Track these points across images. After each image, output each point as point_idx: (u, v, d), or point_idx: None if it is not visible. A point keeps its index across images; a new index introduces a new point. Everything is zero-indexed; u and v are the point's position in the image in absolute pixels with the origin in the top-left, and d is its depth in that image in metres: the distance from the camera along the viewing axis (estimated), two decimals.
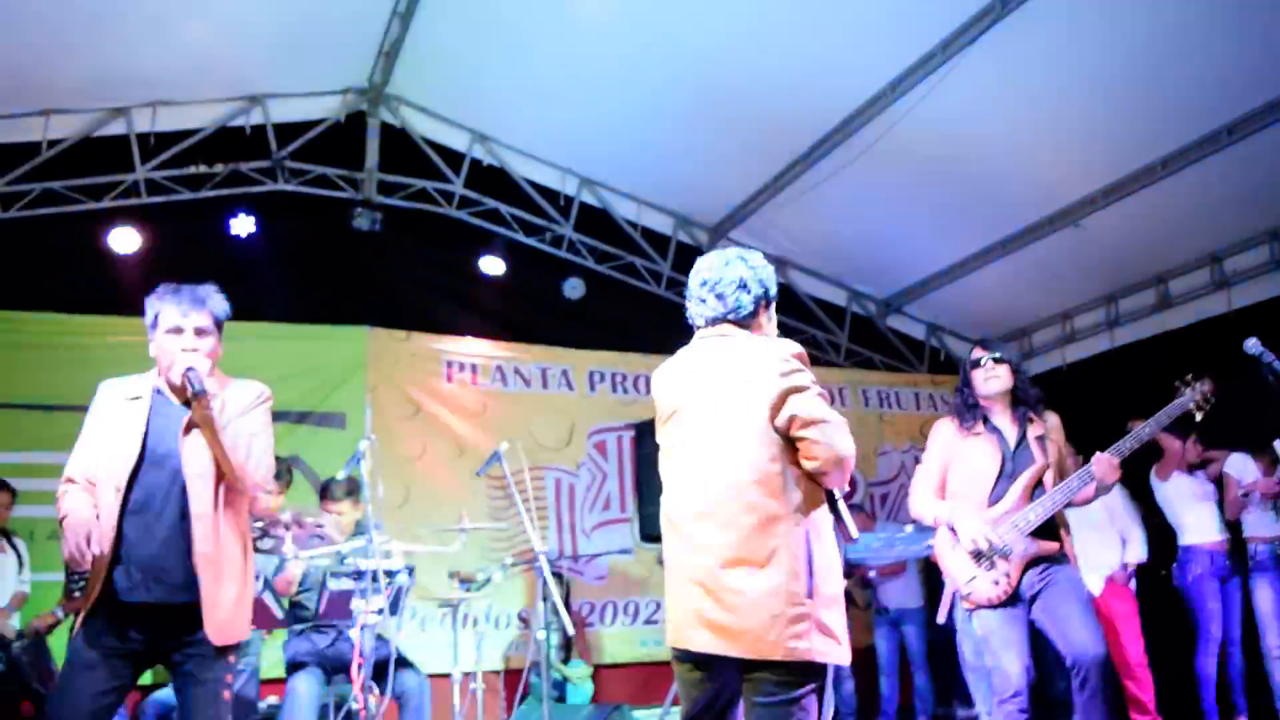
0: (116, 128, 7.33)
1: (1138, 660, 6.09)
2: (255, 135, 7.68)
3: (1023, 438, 4.17)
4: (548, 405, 8.28)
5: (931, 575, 7.74)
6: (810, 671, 2.59)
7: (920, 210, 7.76)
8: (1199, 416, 3.91)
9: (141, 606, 3.00)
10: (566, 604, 6.59)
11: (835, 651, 2.62)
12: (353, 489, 5.24)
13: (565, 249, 8.60)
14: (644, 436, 6.96)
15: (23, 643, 5.79)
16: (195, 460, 3.06)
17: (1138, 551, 6.28)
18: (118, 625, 3.01)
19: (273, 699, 6.28)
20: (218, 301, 3.27)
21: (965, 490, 4.15)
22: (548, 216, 8.46)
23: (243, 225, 7.65)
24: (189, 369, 3.05)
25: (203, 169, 7.64)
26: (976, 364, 4.24)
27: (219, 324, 3.26)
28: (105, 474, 3.05)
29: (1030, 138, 6.74)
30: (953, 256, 8.50)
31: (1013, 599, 3.99)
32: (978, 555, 4.02)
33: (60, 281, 7.20)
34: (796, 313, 9.27)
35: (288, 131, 7.72)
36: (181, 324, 3.15)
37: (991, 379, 4.20)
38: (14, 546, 6.05)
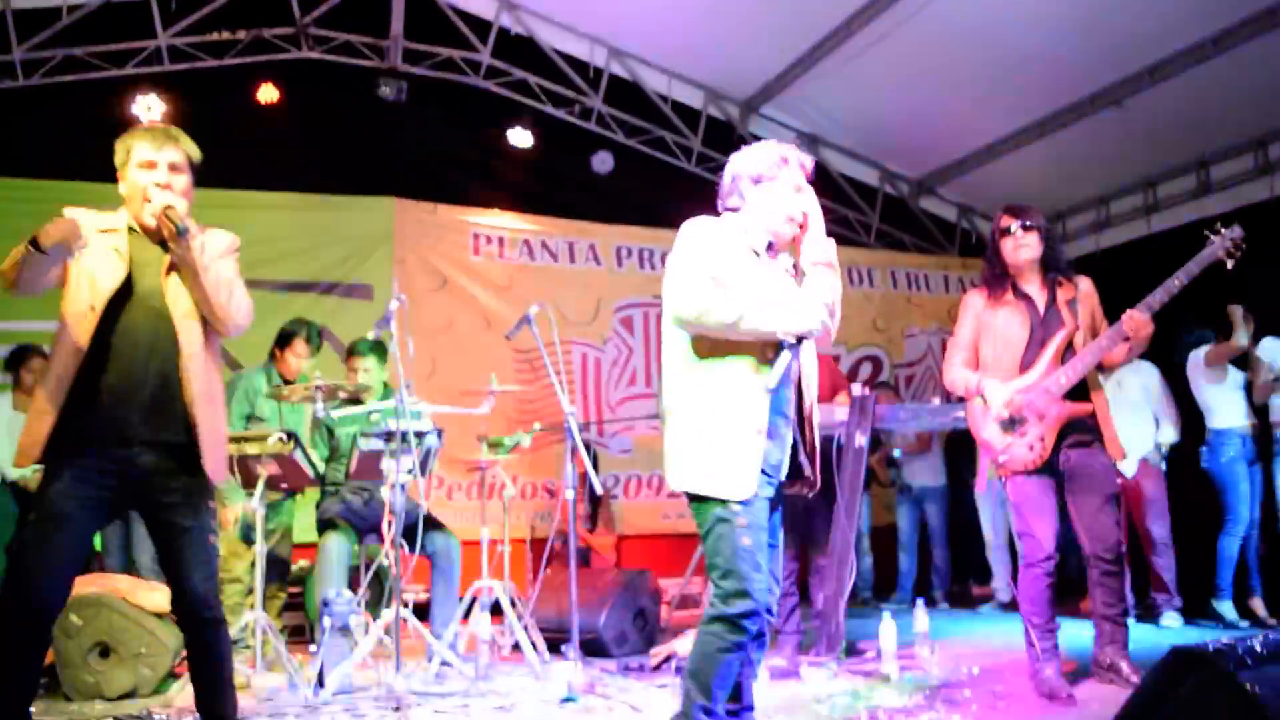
0: None
1: (1163, 539, 6.16)
2: (279, 0, 7.53)
3: (1052, 303, 4.12)
4: (574, 279, 8.27)
5: (952, 455, 7.80)
6: None
7: (956, 88, 7.55)
8: (1230, 264, 3.84)
9: (130, 448, 2.88)
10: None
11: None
12: (379, 348, 5.28)
13: (594, 122, 8.47)
14: None
15: None
16: (181, 301, 2.96)
17: (1171, 433, 6.30)
18: (95, 470, 2.86)
19: (304, 562, 6.47)
20: (190, 143, 3.09)
21: (996, 359, 4.13)
22: (576, 88, 8.31)
23: (267, 94, 7.56)
24: (168, 206, 2.90)
25: (225, 36, 7.52)
26: (1006, 231, 4.15)
27: (193, 166, 3.09)
28: (84, 297, 2.90)
29: (1071, 11, 6.49)
30: (988, 137, 8.31)
31: (1047, 467, 4.02)
32: (1009, 423, 4.03)
33: (83, 149, 7.15)
34: (828, 192, 9.15)
35: None
36: (155, 158, 3.00)
37: (1022, 247, 4.12)
38: None
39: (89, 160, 7.17)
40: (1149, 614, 6.12)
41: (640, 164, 8.62)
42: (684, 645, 4.74)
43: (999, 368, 4.12)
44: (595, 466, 7.57)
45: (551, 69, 8.21)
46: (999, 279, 4.19)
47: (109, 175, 7.41)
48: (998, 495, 7.08)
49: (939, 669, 4.65)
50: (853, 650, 5.09)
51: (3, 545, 3.29)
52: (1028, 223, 4.12)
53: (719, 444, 2.74)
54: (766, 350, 2.82)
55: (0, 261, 2.85)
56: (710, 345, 2.82)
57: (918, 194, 9.39)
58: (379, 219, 7.75)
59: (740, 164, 3.06)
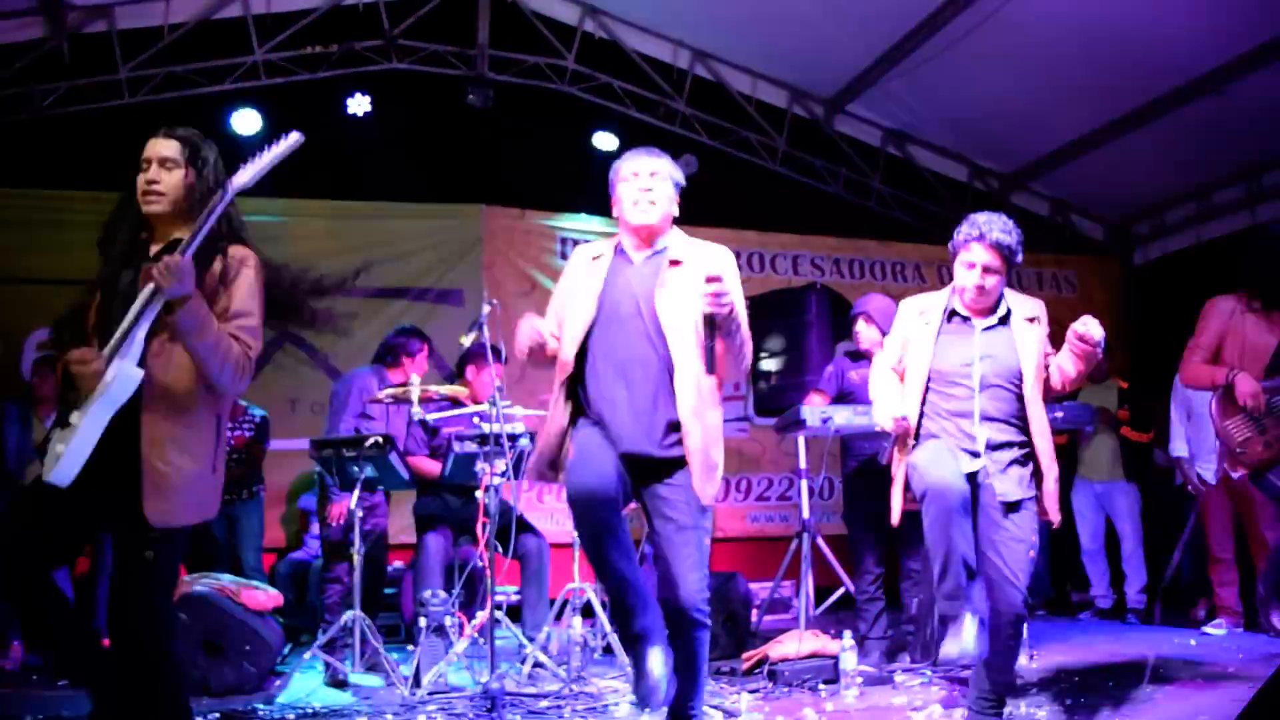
0: (234, 10, 7.42)
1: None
2: (368, 13, 7.71)
3: None
4: None
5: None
6: None
7: (1048, 79, 7.35)
8: None
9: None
10: None
11: None
12: (495, 353, 5.36)
13: (678, 124, 8.48)
14: (759, 312, 6.90)
15: None
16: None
17: None
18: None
19: (398, 563, 6.60)
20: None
21: (1239, 364, 4.28)
22: (660, 91, 8.33)
23: (358, 105, 7.74)
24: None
25: (318, 49, 7.72)
26: None
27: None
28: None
29: None
30: (1081, 129, 8.06)
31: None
32: (1252, 419, 4.17)
33: None
34: (916, 188, 9.03)
35: (400, 9, 7.72)
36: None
37: None
38: None
39: None
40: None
41: (725, 165, 8.59)
42: (777, 649, 4.71)
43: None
44: None
45: (635, 72, 8.25)
46: (1273, 295, 4.34)
47: None
48: (1095, 499, 6.90)
49: (1038, 677, 4.55)
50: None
51: None
52: None
53: None
54: None
55: None
56: None
57: (1009, 190, 9.19)
58: (468, 225, 7.87)
59: None
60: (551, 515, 7.28)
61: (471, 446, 4.66)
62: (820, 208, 8.99)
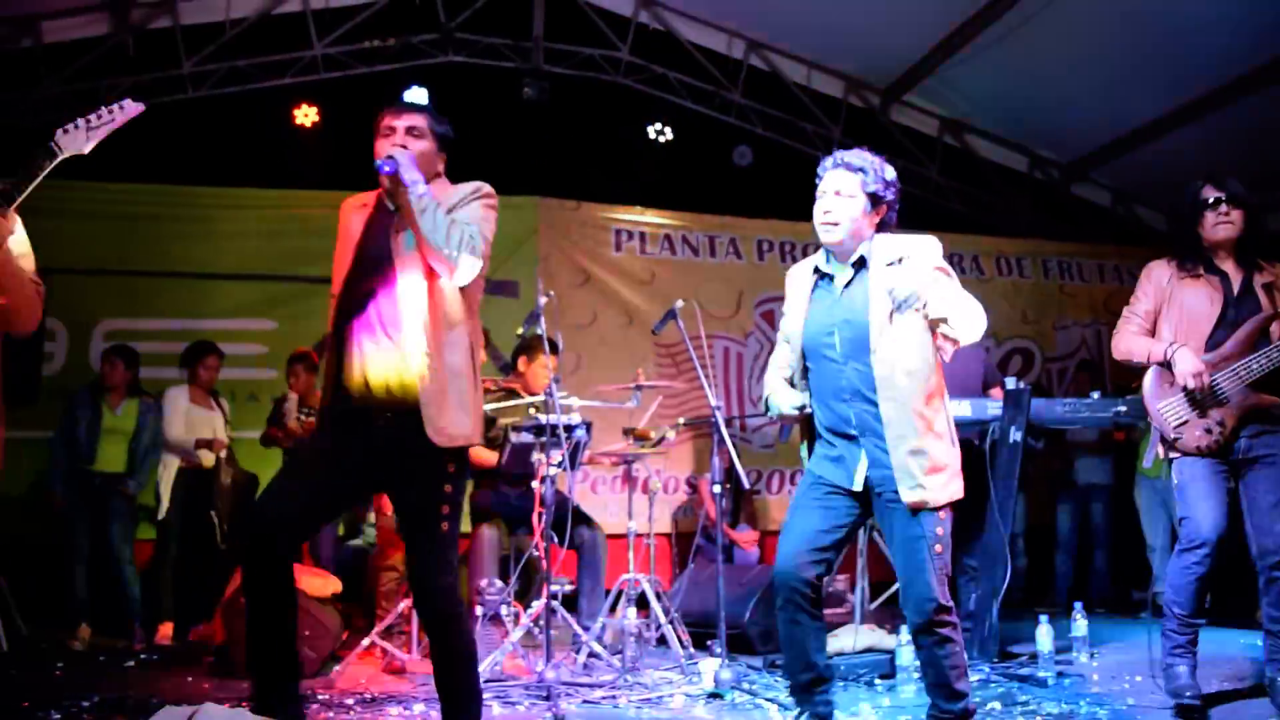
0: (293, 4, 7.52)
1: None
2: (425, 7, 7.76)
3: (1248, 284, 3.79)
4: (715, 274, 8.27)
5: (1119, 453, 7.46)
6: None
7: (1109, 67, 7.21)
8: None
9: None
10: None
11: None
12: (554, 346, 5.38)
13: (733, 115, 8.45)
14: None
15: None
16: (408, 258, 2.98)
17: None
18: (343, 434, 2.98)
19: None
20: (436, 116, 3.16)
21: (1178, 336, 3.81)
22: (715, 82, 8.30)
23: (416, 98, 7.77)
24: (387, 157, 2.93)
25: (375, 43, 7.79)
26: (1206, 204, 3.81)
27: (437, 133, 3.12)
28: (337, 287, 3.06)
29: None
30: (1143, 117, 7.90)
31: (1223, 451, 3.71)
32: (1192, 399, 3.72)
33: (248, 157, 7.54)
34: (973, 179, 8.91)
35: (456, 3, 7.77)
36: (395, 123, 3.07)
37: (1223, 224, 3.79)
38: (219, 405, 6.49)
39: (253, 167, 7.64)
40: None
41: (780, 156, 8.55)
42: (832, 644, 4.68)
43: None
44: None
45: (690, 63, 8.23)
46: (1191, 254, 3.87)
47: (272, 181, 7.79)
48: (1161, 493, 6.77)
49: (1099, 675, 4.48)
50: (1006, 654, 4.94)
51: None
52: (1235, 196, 3.79)
53: None
54: None
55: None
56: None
57: (1069, 180, 9.03)
58: (523, 217, 7.90)
59: None
60: (606, 506, 7.32)
61: (528, 437, 4.69)
62: None
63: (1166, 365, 3.78)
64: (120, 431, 6.14)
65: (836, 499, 3.15)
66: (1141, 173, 8.63)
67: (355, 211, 3.15)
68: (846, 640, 4.68)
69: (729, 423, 7.82)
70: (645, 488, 5.51)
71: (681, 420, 5.91)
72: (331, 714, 3.92)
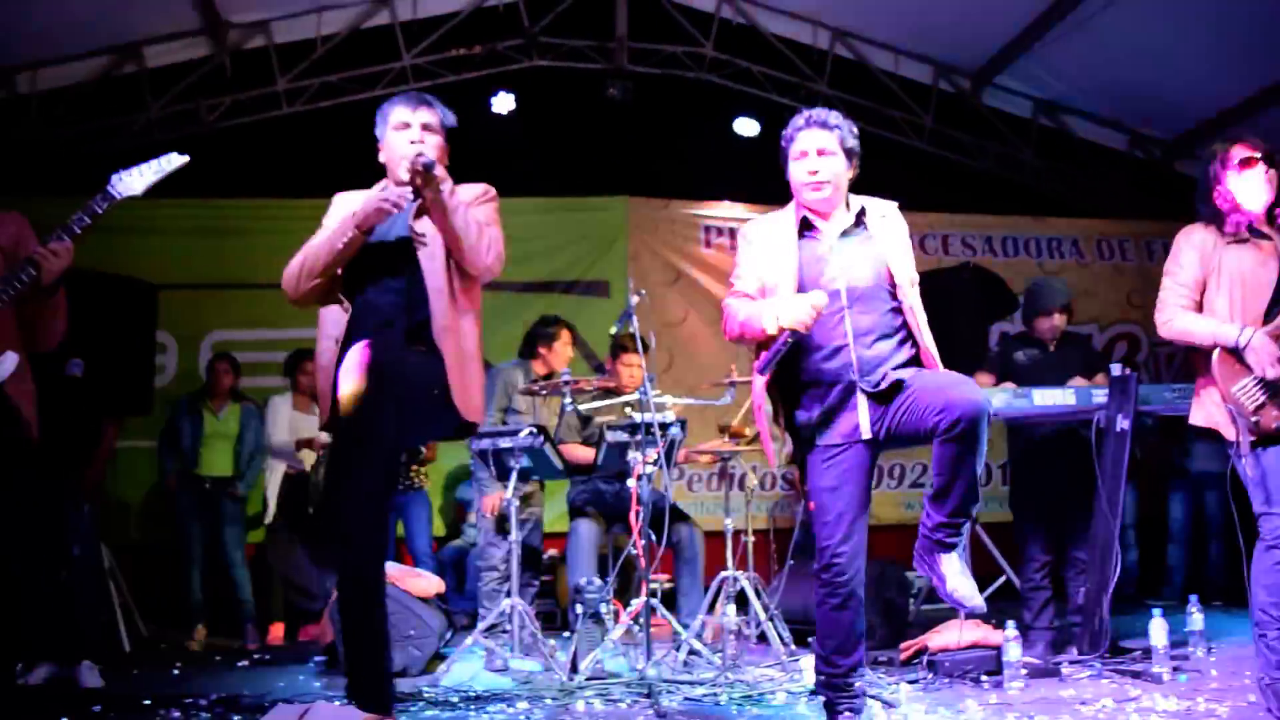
0: (382, 18, 7.66)
1: None
2: (509, 13, 7.85)
3: None
4: None
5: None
6: None
7: (1214, 37, 6.92)
8: None
9: None
10: None
11: None
12: (644, 345, 5.41)
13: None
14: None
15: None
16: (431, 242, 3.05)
17: None
18: None
19: (553, 551, 6.72)
20: (445, 109, 3.26)
21: (1235, 306, 3.48)
22: (800, 73, 8.22)
23: (503, 104, 7.89)
24: (417, 154, 2.99)
25: (462, 51, 7.91)
26: (1246, 163, 3.50)
27: (445, 129, 3.23)
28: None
29: None
30: (1247, 90, 7.54)
31: None
32: (1264, 382, 3.40)
33: (343, 170, 7.69)
34: (1070, 160, 8.66)
35: (539, 7, 7.84)
36: (409, 119, 3.15)
37: (1265, 186, 3.49)
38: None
39: (349, 179, 7.79)
40: None
41: (870, 145, 8.33)
42: (936, 639, 4.60)
43: (1239, 318, 3.46)
44: None
45: (774, 56, 8.16)
46: (1223, 219, 3.54)
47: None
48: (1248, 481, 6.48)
49: (1216, 671, 4.32)
50: (1117, 649, 4.78)
51: None
52: (1270, 156, 3.50)
53: None
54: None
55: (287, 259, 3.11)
56: None
57: (1172, 157, 8.71)
58: (612, 217, 7.95)
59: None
60: (702, 503, 7.31)
61: (623, 435, 4.72)
62: (970, 184, 8.73)
63: (1232, 350, 3.45)
64: (225, 436, 6.37)
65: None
66: None
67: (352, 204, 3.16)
68: (951, 636, 4.59)
69: None
70: (741, 484, 5.49)
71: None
72: (437, 711, 4.00)
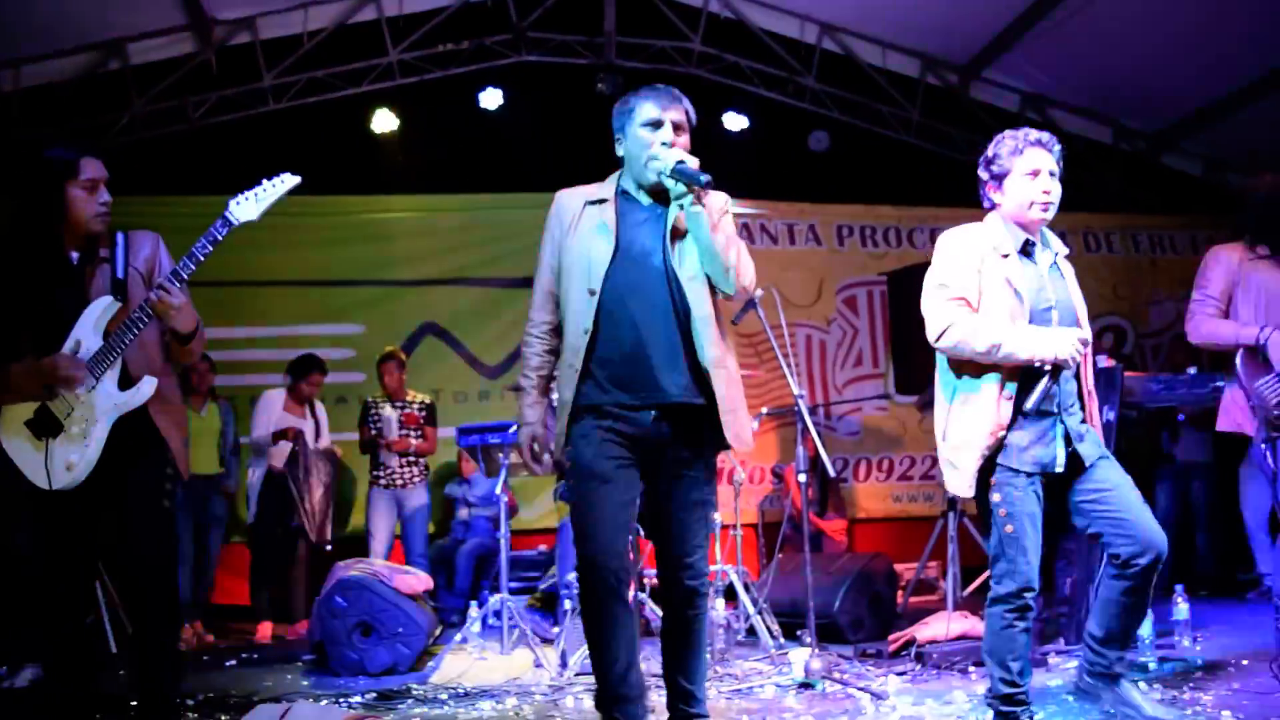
0: (368, 13, 7.63)
1: None
2: (497, 8, 7.82)
3: None
4: (796, 261, 8.21)
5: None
6: None
7: (1197, 30, 6.94)
8: None
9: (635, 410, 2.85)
10: None
11: None
12: None
13: (808, 101, 8.36)
14: (898, 287, 6.78)
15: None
16: (689, 263, 2.89)
17: None
18: (616, 435, 2.86)
19: (542, 547, 6.73)
20: (690, 105, 3.06)
21: (1258, 316, 3.83)
22: (789, 68, 8.22)
23: (490, 99, 7.87)
24: (680, 161, 2.81)
25: (450, 47, 7.89)
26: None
27: (692, 128, 3.04)
28: (577, 276, 2.93)
29: None
30: (1234, 83, 7.59)
31: None
32: None
33: (330, 165, 7.69)
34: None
35: (527, 2, 7.83)
36: (660, 116, 2.95)
37: None
38: (315, 415, 6.62)
39: (335, 174, 7.79)
40: None
41: (858, 140, 8.44)
42: (924, 631, 4.62)
43: (1264, 323, 3.79)
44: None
45: (762, 50, 8.16)
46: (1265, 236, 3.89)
47: (354, 188, 7.91)
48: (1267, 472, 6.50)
49: (1202, 660, 4.35)
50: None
51: None
52: None
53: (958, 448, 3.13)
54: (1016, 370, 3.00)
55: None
56: (962, 363, 3.08)
57: (1158, 150, 8.74)
58: None
59: (982, 158, 3.20)
60: None
61: None
62: (957, 178, 8.70)
63: (1254, 349, 3.76)
64: (209, 432, 6.38)
65: None
66: (1236, 140, 8.30)
67: (588, 204, 3.04)
68: (939, 628, 4.61)
69: (813, 411, 7.77)
70: (730, 478, 5.50)
71: (764, 410, 5.88)
72: (425, 709, 4.00)
